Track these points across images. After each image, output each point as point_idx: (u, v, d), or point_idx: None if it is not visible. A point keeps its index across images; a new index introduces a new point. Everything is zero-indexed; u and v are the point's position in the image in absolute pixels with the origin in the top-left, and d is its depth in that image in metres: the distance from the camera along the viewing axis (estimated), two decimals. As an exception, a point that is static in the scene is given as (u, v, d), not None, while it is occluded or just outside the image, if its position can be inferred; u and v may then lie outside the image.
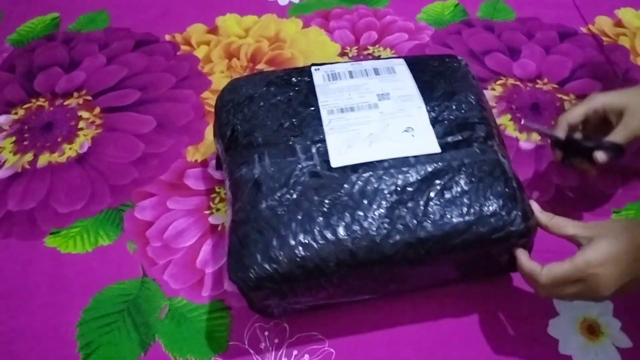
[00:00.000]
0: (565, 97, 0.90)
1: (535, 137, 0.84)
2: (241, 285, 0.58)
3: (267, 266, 0.57)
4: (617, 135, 0.67)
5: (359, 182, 0.61)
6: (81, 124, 0.89)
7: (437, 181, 0.60)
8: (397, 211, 0.59)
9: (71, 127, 0.89)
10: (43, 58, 1.01)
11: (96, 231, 0.76)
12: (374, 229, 0.58)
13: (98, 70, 0.98)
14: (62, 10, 1.10)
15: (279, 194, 0.60)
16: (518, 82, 0.92)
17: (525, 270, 0.58)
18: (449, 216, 0.58)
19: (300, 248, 0.57)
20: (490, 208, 0.59)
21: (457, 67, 0.73)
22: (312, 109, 0.67)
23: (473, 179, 0.60)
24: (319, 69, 0.72)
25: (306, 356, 0.64)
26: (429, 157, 0.62)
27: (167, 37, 1.03)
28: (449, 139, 0.64)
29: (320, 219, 0.58)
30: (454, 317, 0.67)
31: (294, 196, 0.60)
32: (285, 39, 1.02)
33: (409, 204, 0.59)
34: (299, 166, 0.62)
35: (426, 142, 0.64)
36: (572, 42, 0.99)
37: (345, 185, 0.60)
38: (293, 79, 0.71)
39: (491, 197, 0.59)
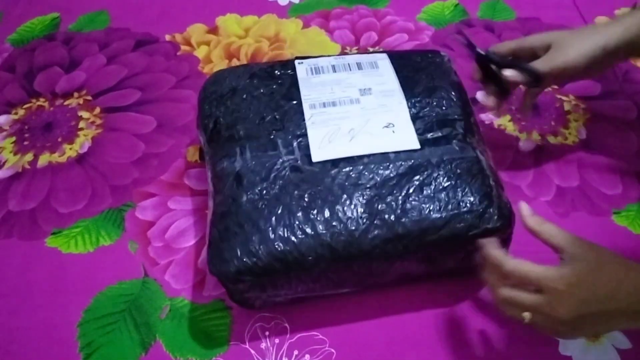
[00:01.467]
0: (564, 98, 0.90)
1: (535, 137, 0.85)
2: (221, 278, 0.59)
3: (246, 259, 0.58)
4: (538, 63, 0.67)
5: (339, 177, 0.61)
6: (81, 124, 0.89)
7: (416, 177, 0.61)
8: (376, 206, 0.60)
9: (71, 127, 0.89)
10: (43, 58, 1.01)
11: (97, 231, 0.76)
12: (353, 224, 0.59)
13: (98, 70, 0.98)
14: (62, 10, 1.10)
15: (259, 188, 0.61)
16: (518, 83, 0.93)
17: (491, 255, 0.55)
18: (426, 212, 0.59)
19: (280, 242, 0.58)
20: (467, 205, 0.60)
21: (440, 63, 0.74)
22: (295, 102, 0.68)
23: (451, 176, 0.61)
24: (302, 62, 0.73)
25: (307, 356, 0.64)
26: (409, 153, 0.63)
27: (167, 37, 1.03)
28: (429, 135, 0.65)
29: (300, 213, 0.59)
30: (455, 318, 0.67)
31: (275, 190, 0.61)
32: (286, 39, 1.02)
33: (388, 200, 0.60)
34: (280, 160, 0.63)
35: (406, 138, 0.64)
36: (572, 42, 0.99)
37: (325, 180, 0.61)
38: (276, 71, 0.72)
39: (468, 194, 0.60)
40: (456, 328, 0.66)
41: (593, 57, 0.66)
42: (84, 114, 0.91)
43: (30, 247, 0.75)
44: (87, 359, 0.65)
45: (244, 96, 0.69)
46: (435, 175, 0.61)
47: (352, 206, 0.59)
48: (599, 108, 0.88)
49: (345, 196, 0.60)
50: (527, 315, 0.53)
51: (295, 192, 0.61)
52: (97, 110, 0.92)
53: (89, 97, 0.94)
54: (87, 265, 0.73)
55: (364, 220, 0.59)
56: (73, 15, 1.09)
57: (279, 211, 0.59)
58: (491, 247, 0.56)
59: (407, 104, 0.67)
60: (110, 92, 0.94)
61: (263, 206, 0.60)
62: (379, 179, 0.61)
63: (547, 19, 1.04)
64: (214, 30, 1.04)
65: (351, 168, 0.62)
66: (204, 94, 0.72)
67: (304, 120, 0.66)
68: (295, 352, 0.65)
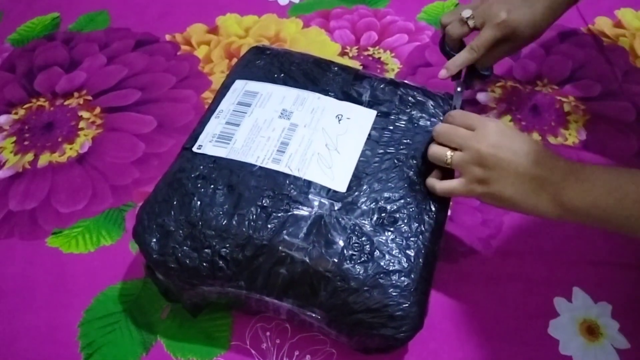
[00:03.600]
0: (564, 99, 0.90)
1: (535, 137, 0.85)
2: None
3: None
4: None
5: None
6: (82, 124, 0.90)
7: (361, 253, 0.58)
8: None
9: (72, 127, 0.89)
10: (43, 58, 1.01)
11: (98, 231, 0.76)
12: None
13: (98, 70, 0.98)
14: (62, 10, 1.10)
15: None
16: (517, 85, 0.93)
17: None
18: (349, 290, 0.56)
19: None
20: (389, 310, 0.56)
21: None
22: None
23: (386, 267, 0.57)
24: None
25: (307, 357, 0.64)
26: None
27: (167, 37, 1.03)
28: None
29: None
30: (455, 317, 0.67)
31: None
32: (286, 38, 1.02)
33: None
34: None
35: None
36: (572, 42, 0.99)
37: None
38: None
39: (392, 296, 0.56)
40: (456, 329, 0.66)
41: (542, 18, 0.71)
42: (84, 113, 0.91)
43: (31, 247, 0.75)
44: (88, 359, 0.65)
45: None
46: (378, 260, 0.58)
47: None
48: (599, 109, 0.89)
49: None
50: (449, 154, 0.60)
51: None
52: (98, 110, 0.92)
53: (89, 97, 0.94)
54: (88, 265, 0.73)
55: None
56: (73, 15, 1.09)
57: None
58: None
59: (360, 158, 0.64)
60: (110, 92, 0.94)
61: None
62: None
63: (546, 19, 1.04)
64: (214, 30, 1.04)
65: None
66: None
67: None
68: (296, 353, 0.65)
